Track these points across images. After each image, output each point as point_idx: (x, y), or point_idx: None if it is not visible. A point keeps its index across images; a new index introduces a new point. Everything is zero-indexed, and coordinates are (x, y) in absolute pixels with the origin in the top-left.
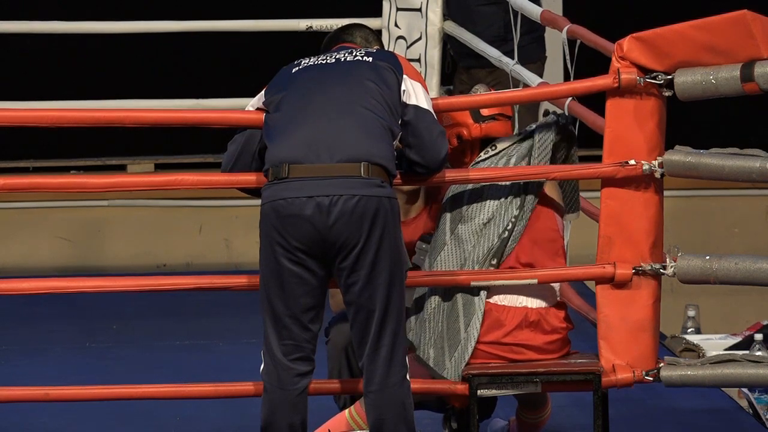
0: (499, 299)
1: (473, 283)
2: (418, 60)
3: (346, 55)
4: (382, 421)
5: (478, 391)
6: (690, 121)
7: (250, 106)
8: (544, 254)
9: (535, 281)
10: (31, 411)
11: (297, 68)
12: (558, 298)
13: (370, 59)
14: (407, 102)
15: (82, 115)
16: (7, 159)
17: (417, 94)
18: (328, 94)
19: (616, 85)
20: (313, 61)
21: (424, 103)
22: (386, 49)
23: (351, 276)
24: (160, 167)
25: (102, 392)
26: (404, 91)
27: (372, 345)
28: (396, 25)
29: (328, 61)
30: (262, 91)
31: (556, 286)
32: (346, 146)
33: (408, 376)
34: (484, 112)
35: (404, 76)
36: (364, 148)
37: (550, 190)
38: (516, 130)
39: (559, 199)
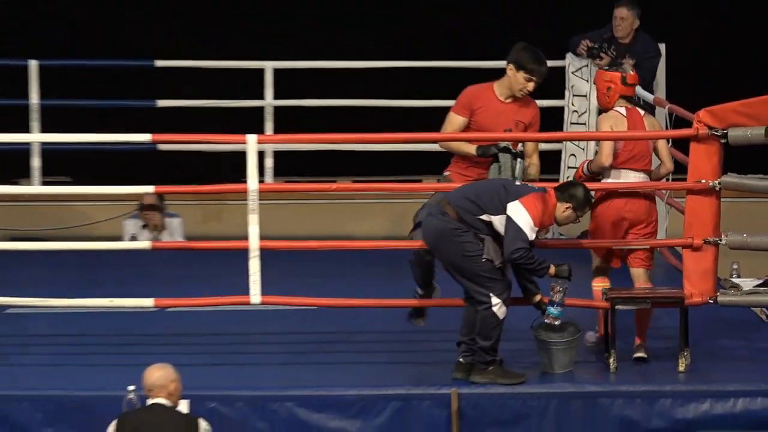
0: None
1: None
2: (584, 124)
3: None
4: None
5: (616, 307)
6: (737, 158)
7: None
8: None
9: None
10: None
11: None
12: None
13: None
14: None
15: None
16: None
17: None
18: None
19: (695, 134)
20: None
21: None
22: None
23: None
24: None
25: None
26: None
27: None
28: (572, 104)
29: None
30: None
31: None
32: None
33: None
34: (629, 80)
35: None
36: None
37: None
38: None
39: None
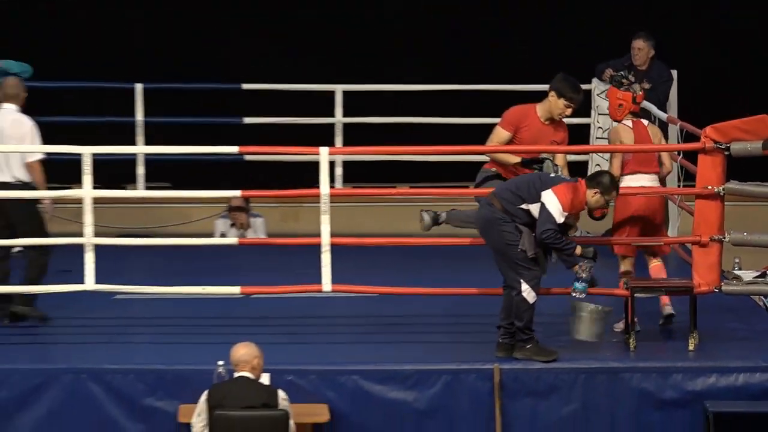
0: None
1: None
2: (608, 138)
3: None
4: None
5: (635, 295)
6: (739, 168)
7: None
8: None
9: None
10: None
11: None
12: None
13: None
14: None
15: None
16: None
17: None
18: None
19: (703, 147)
20: None
21: None
22: (593, 130)
23: None
24: None
25: None
26: None
27: None
28: (597, 121)
29: None
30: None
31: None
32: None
33: None
34: (638, 99)
35: None
36: None
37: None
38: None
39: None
